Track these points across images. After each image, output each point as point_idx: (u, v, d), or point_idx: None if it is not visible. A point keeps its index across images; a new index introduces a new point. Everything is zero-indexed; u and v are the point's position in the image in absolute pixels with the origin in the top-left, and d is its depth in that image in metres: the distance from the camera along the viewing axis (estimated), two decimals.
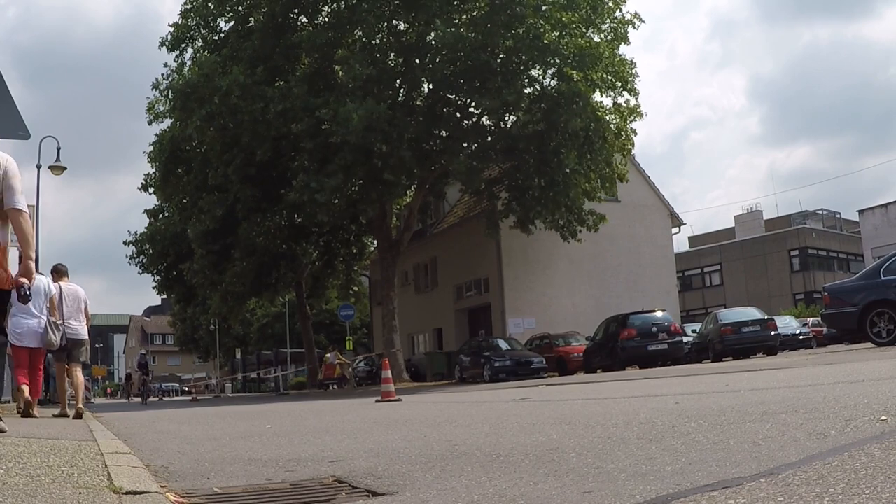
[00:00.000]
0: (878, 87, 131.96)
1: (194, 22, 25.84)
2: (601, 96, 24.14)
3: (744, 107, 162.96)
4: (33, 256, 4.90)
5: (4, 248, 4.58)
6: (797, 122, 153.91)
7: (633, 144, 25.41)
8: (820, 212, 55.64)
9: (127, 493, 2.73)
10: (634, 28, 24.33)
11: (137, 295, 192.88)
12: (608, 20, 24.10)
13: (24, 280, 4.72)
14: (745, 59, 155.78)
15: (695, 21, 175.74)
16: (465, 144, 24.77)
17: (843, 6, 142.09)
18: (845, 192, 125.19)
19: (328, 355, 31.38)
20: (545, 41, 21.34)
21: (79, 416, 8.60)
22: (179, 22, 25.83)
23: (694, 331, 24.52)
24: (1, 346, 4.84)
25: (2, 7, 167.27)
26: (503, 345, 24.38)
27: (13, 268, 4.76)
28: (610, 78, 23.19)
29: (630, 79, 23.76)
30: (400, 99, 24.65)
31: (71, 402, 9.50)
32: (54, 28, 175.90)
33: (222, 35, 26.05)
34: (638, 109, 24.57)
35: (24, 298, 4.81)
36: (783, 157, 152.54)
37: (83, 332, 9.01)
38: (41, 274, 8.77)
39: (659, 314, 21.92)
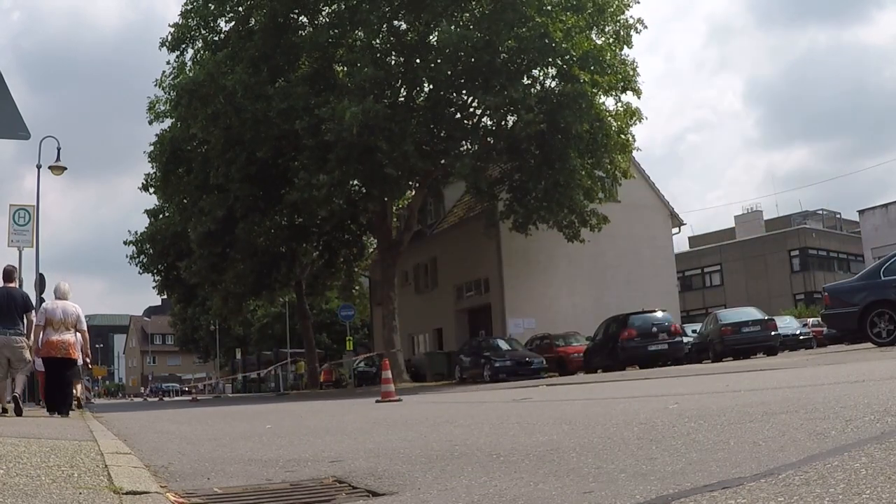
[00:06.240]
0: (872, 91, 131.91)
1: (195, 22, 25.79)
2: (604, 97, 24.07)
3: (741, 110, 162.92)
4: (89, 352, 10.59)
5: (76, 343, 9.54)
6: (794, 125, 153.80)
7: (634, 139, 25.18)
8: (820, 212, 55.52)
9: (127, 494, 2.73)
10: (637, 33, 24.32)
11: (137, 295, 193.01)
12: (612, 23, 24.07)
13: (88, 359, 10.63)
14: (742, 64, 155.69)
15: (692, 26, 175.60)
16: (464, 144, 24.73)
17: (838, 12, 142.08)
18: (843, 194, 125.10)
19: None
20: (554, 40, 21.23)
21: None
22: (180, 22, 25.81)
23: (694, 331, 24.48)
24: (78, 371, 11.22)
25: (6, 11, 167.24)
26: (503, 345, 24.34)
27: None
28: (612, 79, 23.10)
29: (633, 77, 23.67)
30: (400, 99, 24.64)
31: None
32: (59, 33, 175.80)
33: (223, 35, 26.02)
34: (638, 113, 24.48)
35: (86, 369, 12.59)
36: (781, 159, 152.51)
37: None
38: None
39: (659, 314, 21.88)
